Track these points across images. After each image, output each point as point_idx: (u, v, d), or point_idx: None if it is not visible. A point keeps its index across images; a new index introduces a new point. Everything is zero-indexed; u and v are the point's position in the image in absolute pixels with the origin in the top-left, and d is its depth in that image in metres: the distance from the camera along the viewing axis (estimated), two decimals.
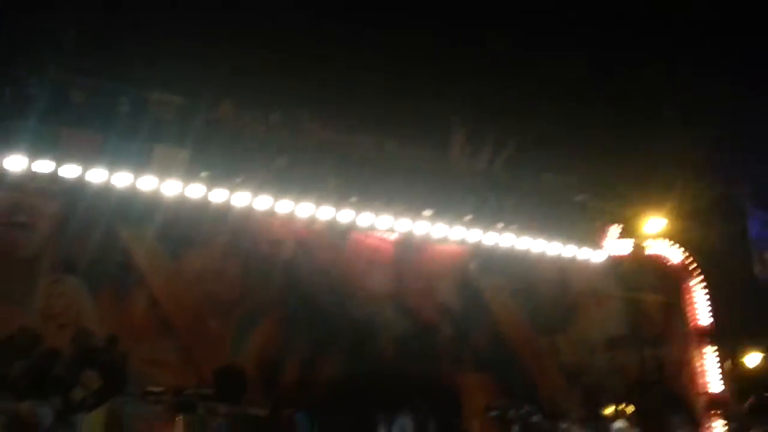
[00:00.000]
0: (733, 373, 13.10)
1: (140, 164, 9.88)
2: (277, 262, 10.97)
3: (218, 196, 10.28)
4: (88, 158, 9.62)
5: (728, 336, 13.19)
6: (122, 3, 10.53)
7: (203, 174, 10.18)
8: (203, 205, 10.29)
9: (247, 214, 10.65)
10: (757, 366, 14.93)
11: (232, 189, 10.41)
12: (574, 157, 12.24)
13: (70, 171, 9.58)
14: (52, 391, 9.10)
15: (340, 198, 11.01)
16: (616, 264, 12.95)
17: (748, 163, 13.86)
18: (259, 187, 10.53)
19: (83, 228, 9.82)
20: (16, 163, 9.24)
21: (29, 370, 9.17)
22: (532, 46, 12.38)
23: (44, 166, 9.43)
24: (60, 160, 9.48)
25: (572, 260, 12.55)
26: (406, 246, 11.84)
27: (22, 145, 9.20)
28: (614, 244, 12.87)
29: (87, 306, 9.74)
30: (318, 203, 10.87)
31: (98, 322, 9.68)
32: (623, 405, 11.70)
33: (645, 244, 13.04)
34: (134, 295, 10.04)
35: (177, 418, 8.77)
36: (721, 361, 12.75)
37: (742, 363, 14.58)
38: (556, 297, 12.64)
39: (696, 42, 13.45)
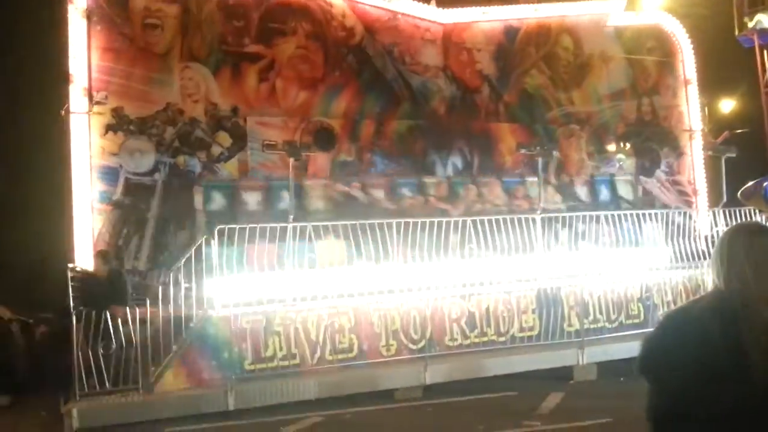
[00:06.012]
0: (710, 115, 15.38)
1: None
2: (349, 45, 12.71)
3: None
4: None
5: (709, 86, 15.02)
6: None
7: None
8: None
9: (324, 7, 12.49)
10: (730, 110, 17.50)
11: None
12: None
13: None
14: (197, 149, 12.07)
15: None
16: (620, 30, 14.36)
17: None
18: None
19: (208, 24, 11.69)
20: None
21: (178, 134, 11.75)
22: None
23: None
24: None
25: (585, 27, 13.88)
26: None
27: None
28: (620, 15, 14.20)
29: (212, 85, 11.69)
30: None
31: (221, 98, 11.77)
32: (623, 142, 14.09)
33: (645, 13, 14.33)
34: (245, 75, 11.99)
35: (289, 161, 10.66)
36: (702, 106, 14.59)
37: (719, 107, 17.02)
38: (571, 59, 13.98)
39: None
